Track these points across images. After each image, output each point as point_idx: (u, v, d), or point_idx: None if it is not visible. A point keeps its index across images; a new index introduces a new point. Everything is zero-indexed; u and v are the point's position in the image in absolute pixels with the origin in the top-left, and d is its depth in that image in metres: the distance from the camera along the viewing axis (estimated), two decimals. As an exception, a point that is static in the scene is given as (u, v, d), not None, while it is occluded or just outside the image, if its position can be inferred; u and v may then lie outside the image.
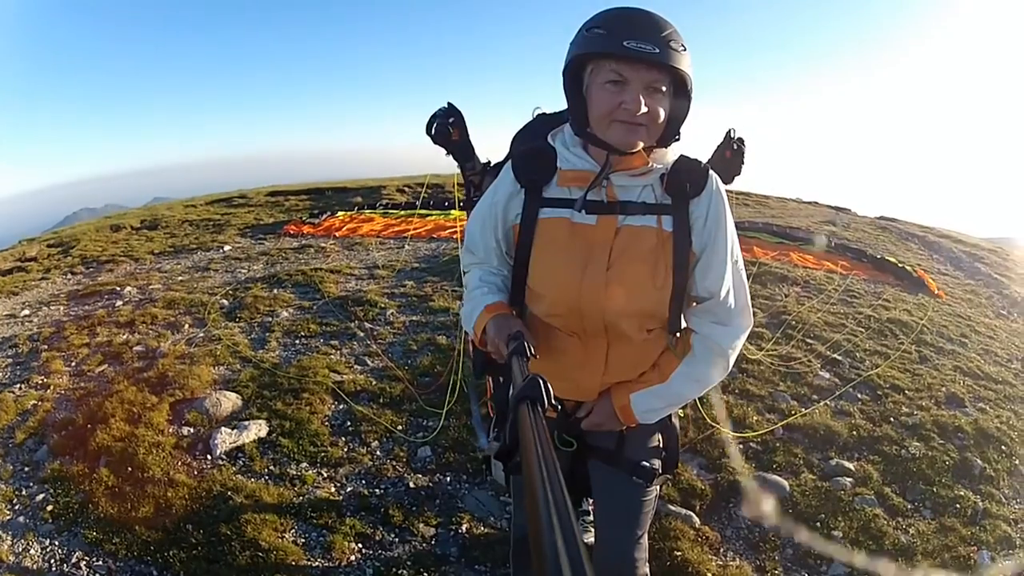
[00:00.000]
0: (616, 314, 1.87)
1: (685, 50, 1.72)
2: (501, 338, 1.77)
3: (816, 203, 21.57)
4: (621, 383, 2.04)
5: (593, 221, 1.86)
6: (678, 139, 1.88)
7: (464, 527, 3.78)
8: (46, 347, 6.13)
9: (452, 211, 13.06)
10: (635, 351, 1.99)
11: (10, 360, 5.94)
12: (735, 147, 3.34)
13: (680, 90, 1.78)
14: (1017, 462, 4.85)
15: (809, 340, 6.98)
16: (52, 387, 5.24)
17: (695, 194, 1.85)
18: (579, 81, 1.82)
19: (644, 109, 1.71)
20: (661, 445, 2.21)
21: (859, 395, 5.75)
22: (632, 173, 1.85)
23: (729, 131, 3.41)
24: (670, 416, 2.17)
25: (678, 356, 1.98)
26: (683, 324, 1.95)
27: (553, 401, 1.26)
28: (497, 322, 1.87)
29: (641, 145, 1.79)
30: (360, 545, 3.60)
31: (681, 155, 1.90)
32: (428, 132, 3.20)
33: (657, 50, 1.66)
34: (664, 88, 1.74)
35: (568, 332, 1.96)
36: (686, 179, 1.84)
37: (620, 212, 1.85)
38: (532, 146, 1.99)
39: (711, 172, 1.87)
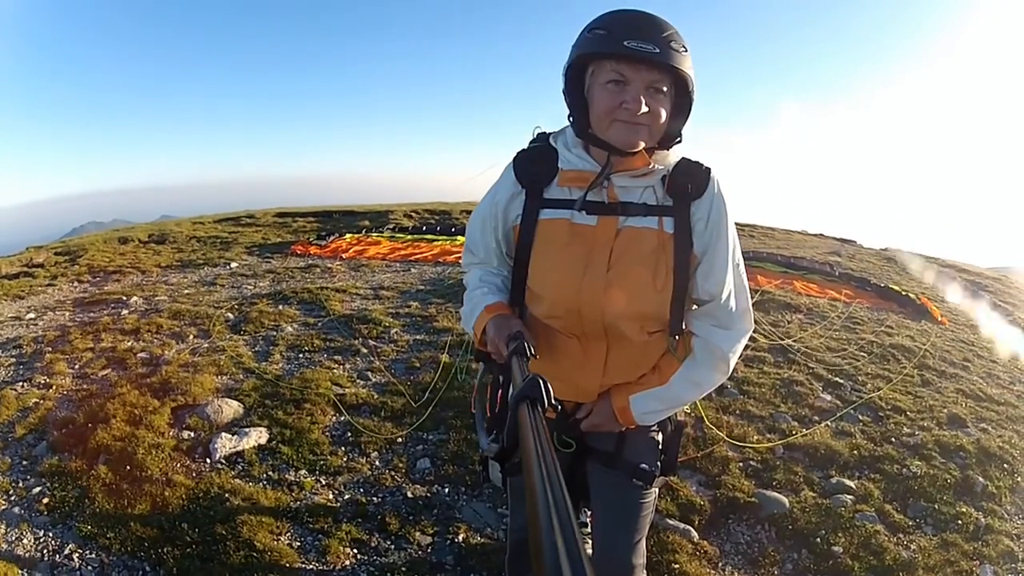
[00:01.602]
0: (616, 316, 1.86)
1: (686, 51, 1.72)
2: (501, 338, 1.77)
3: (822, 235, 21.56)
4: (621, 385, 2.03)
5: (593, 222, 1.86)
6: (679, 141, 1.88)
7: (461, 537, 3.76)
8: (50, 349, 6.17)
9: (458, 237, 13.10)
10: (635, 353, 1.99)
11: (14, 360, 5.99)
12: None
13: (681, 91, 1.79)
14: (1020, 480, 4.81)
15: (811, 364, 6.96)
16: (54, 387, 5.27)
17: (697, 196, 1.84)
18: (580, 82, 1.83)
19: (645, 109, 1.72)
20: (661, 447, 2.19)
21: (860, 416, 5.72)
22: (633, 174, 1.85)
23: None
24: (672, 418, 2.17)
25: (678, 359, 1.97)
26: (684, 327, 1.95)
27: (553, 401, 1.26)
28: (497, 322, 1.87)
29: (642, 145, 1.79)
30: (356, 550, 3.58)
31: (683, 157, 1.90)
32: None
33: (658, 50, 1.66)
34: (665, 89, 1.75)
35: (568, 333, 1.96)
36: (688, 181, 1.84)
37: (621, 213, 1.85)
38: (533, 147, 2.00)
39: (713, 174, 1.86)
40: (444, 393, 5.18)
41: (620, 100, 1.73)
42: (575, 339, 1.96)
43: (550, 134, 2.05)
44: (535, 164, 1.94)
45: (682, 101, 1.81)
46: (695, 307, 1.97)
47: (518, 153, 2.01)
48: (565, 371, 1.99)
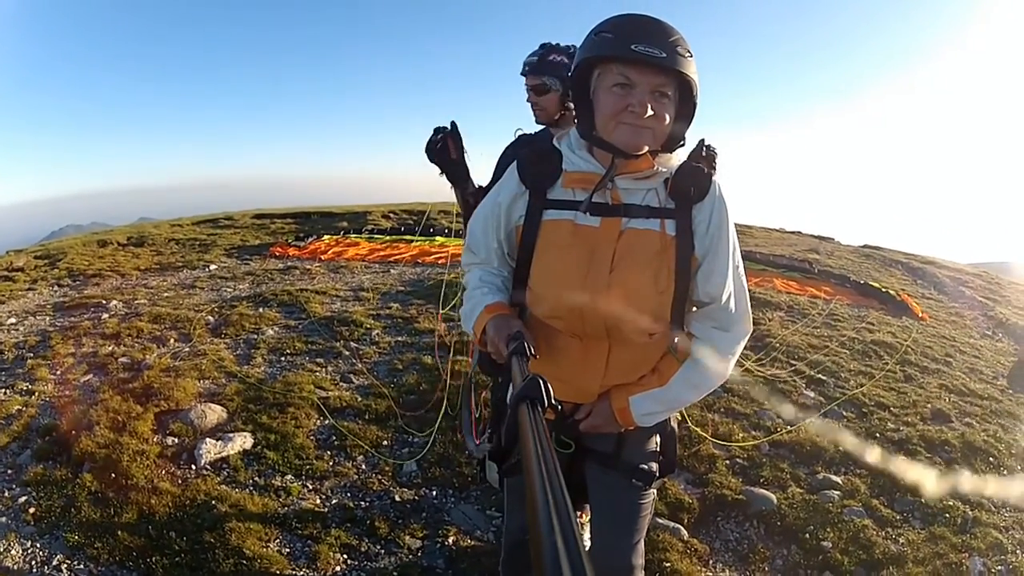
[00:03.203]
0: (618, 317, 1.87)
1: (691, 56, 1.73)
2: (501, 338, 1.76)
3: (799, 233, 21.70)
4: (620, 386, 2.03)
5: (596, 223, 1.86)
6: (683, 145, 1.90)
7: (451, 540, 3.76)
8: (31, 355, 6.08)
9: (437, 237, 13.08)
10: (636, 354, 1.99)
11: (-5, 366, 5.91)
12: (704, 153, 3.40)
13: (685, 96, 1.80)
14: (1005, 472, 4.87)
15: (793, 361, 7.00)
16: (37, 393, 5.18)
17: (699, 199, 1.85)
18: (586, 84, 1.84)
19: (650, 112, 1.73)
20: (659, 448, 2.20)
21: (844, 413, 5.78)
22: (637, 176, 1.86)
23: (701, 140, 3.48)
24: (669, 419, 2.17)
25: (678, 360, 1.98)
26: (684, 328, 1.95)
27: (553, 402, 1.25)
28: (497, 322, 1.86)
29: (646, 148, 1.80)
30: (345, 556, 3.57)
31: (685, 160, 1.91)
32: (427, 150, 3.21)
33: (664, 54, 1.67)
34: (670, 93, 1.76)
35: (569, 334, 1.96)
36: (690, 184, 1.85)
37: (624, 215, 1.86)
38: (538, 148, 2.00)
39: (715, 178, 1.88)
40: (430, 395, 5.16)
41: (626, 103, 1.74)
42: (576, 339, 1.96)
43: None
44: (539, 165, 1.95)
45: (686, 105, 1.82)
46: (695, 309, 1.97)
47: (521, 154, 2.02)
48: (565, 372, 1.99)
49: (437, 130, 3.17)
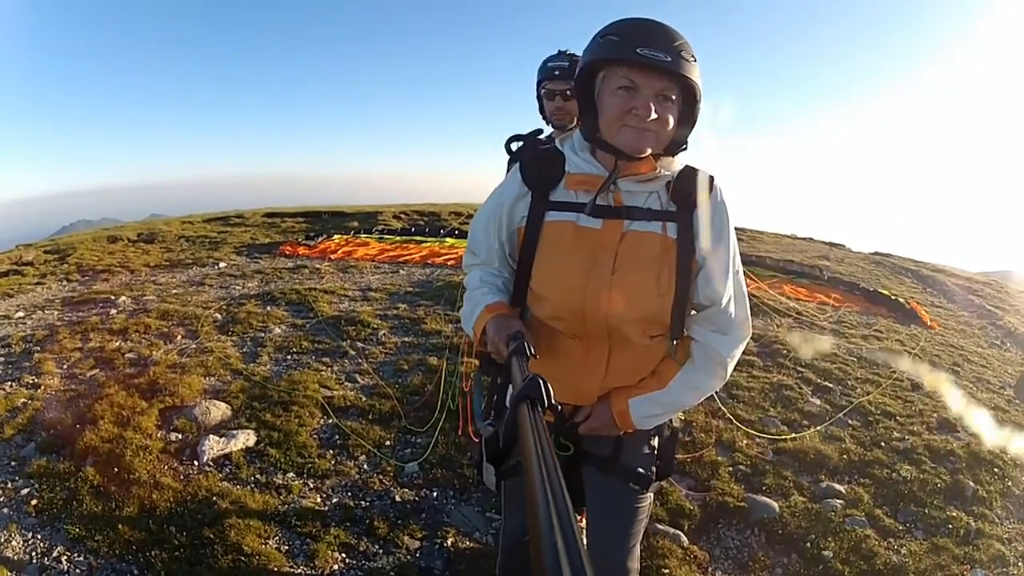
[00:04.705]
0: (619, 319, 1.87)
1: (695, 61, 1.75)
2: (501, 338, 1.77)
3: (811, 239, 21.59)
4: (620, 388, 2.03)
5: (598, 225, 1.87)
6: (685, 148, 1.91)
7: (449, 541, 3.76)
8: (39, 349, 6.13)
9: (447, 239, 13.09)
10: (637, 356, 1.99)
11: (2, 359, 5.95)
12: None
13: (689, 100, 1.81)
14: (1010, 484, 4.83)
15: (800, 368, 6.97)
16: (43, 387, 5.23)
17: (700, 202, 1.87)
18: (590, 87, 1.85)
19: (654, 115, 1.74)
20: (656, 452, 2.20)
21: (850, 421, 5.73)
22: (639, 179, 1.87)
23: None
24: (668, 422, 2.17)
25: (678, 363, 1.98)
26: (684, 331, 1.96)
27: (553, 402, 1.26)
28: (497, 322, 1.87)
29: (649, 151, 1.81)
30: (344, 555, 3.58)
31: (687, 164, 1.93)
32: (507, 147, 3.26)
33: (669, 59, 1.69)
34: (674, 97, 1.78)
35: (570, 335, 1.96)
36: (691, 187, 1.86)
37: (626, 217, 1.87)
38: (541, 150, 2.01)
39: (716, 182, 1.89)
40: (434, 396, 5.16)
41: (630, 106, 1.75)
42: (577, 341, 1.96)
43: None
44: (542, 167, 1.96)
45: (689, 109, 1.83)
46: (694, 312, 1.98)
47: (525, 156, 2.04)
48: (565, 373, 1.99)
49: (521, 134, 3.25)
